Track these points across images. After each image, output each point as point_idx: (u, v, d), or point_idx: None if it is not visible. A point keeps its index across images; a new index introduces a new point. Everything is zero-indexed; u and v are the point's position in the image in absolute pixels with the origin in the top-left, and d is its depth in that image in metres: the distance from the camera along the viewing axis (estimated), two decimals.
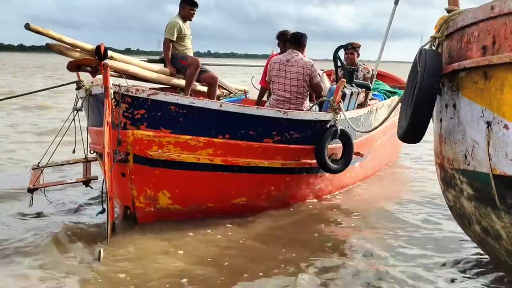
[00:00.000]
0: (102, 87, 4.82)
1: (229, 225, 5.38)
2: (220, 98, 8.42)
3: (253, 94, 7.95)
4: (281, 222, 5.65)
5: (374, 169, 8.04)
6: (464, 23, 3.60)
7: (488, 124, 3.31)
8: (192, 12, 7.62)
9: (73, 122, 5.58)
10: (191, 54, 7.80)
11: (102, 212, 5.08)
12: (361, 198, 6.80)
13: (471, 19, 3.49)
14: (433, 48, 4.02)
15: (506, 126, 3.20)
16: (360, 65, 7.84)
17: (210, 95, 7.67)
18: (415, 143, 4.10)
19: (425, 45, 4.03)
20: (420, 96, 3.72)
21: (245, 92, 8.51)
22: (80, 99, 5.67)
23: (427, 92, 3.69)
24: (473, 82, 3.46)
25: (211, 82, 7.69)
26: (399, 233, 5.40)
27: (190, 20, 7.69)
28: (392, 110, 5.34)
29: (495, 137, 3.27)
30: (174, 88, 7.85)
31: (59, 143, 5.52)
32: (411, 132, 3.92)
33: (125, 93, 4.91)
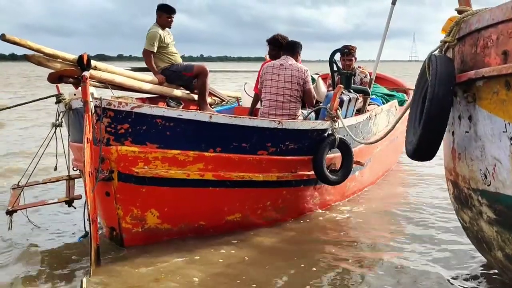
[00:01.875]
0: (82, 100, 4.46)
1: (224, 245, 5.02)
2: (212, 107, 8.08)
3: (246, 102, 7.59)
4: (279, 239, 5.31)
5: (375, 176, 7.70)
6: (479, 25, 3.23)
7: None
8: (169, 19, 7.30)
9: (54, 138, 5.23)
10: (179, 59, 7.47)
11: (84, 236, 4.71)
12: (363, 209, 6.45)
13: (488, 20, 3.12)
14: (443, 53, 3.66)
15: None
16: (357, 68, 7.51)
17: (201, 87, 7.35)
18: (426, 161, 3.74)
19: (434, 51, 3.64)
20: (432, 108, 3.34)
21: (238, 99, 8.15)
22: (61, 114, 5.31)
23: (440, 103, 3.31)
24: (493, 93, 3.09)
25: (200, 72, 7.37)
26: (404, 246, 5.06)
27: (169, 28, 7.34)
28: (397, 121, 4.99)
29: None
30: (164, 97, 7.52)
31: (38, 161, 5.17)
32: (423, 149, 3.53)
33: (107, 106, 4.55)
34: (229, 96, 8.47)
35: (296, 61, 6.27)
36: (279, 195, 5.56)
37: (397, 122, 4.98)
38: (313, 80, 7.63)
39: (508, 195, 3.05)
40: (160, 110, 4.73)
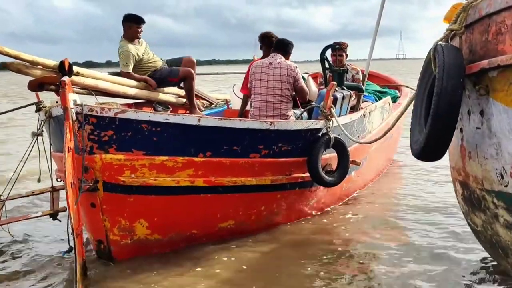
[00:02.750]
0: (61, 107, 4.21)
1: (220, 254, 4.80)
2: (201, 110, 7.84)
3: (236, 104, 7.36)
4: (276, 244, 5.10)
5: (371, 176, 7.49)
6: (491, 10, 2.96)
7: None
8: (139, 30, 6.93)
9: (36, 148, 4.97)
10: (159, 63, 7.21)
11: (69, 251, 4.44)
12: (361, 210, 6.22)
13: (501, 3, 2.84)
14: (449, 43, 3.39)
15: None
16: (348, 65, 7.29)
17: (188, 91, 7.15)
18: (435, 160, 3.50)
19: (440, 40, 3.35)
20: (440, 103, 3.06)
21: (227, 102, 7.92)
22: (42, 122, 5.05)
23: (449, 98, 3.04)
24: (510, 83, 2.84)
25: (186, 76, 7.13)
26: (405, 251, 4.85)
27: (139, 38, 7.00)
28: (398, 118, 4.77)
29: None
30: (151, 102, 7.28)
31: (19, 172, 4.91)
32: (431, 149, 3.25)
33: (89, 113, 4.30)
34: (218, 99, 8.24)
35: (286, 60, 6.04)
36: (273, 199, 5.32)
37: (398, 119, 4.76)
38: (304, 79, 7.42)
39: None
40: (146, 114, 4.48)
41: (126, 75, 6.86)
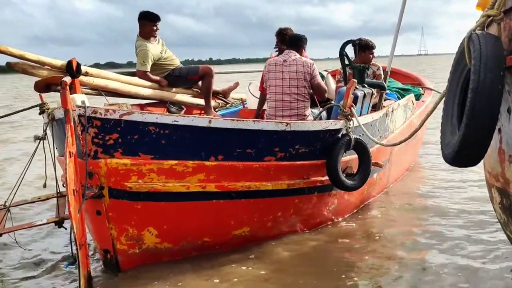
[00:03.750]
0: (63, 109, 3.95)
1: (235, 263, 4.54)
2: (216, 110, 7.57)
3: (252, 103, 7.06)
4: (296, 252, 4.81)
5: (394, 177, 7.13)
6: None
7: None
8: (155, 28, 6.72)
9: (43, 152, 4.74)
10: (177, 62, 7.00)
11: (72, 263, 4.18)
12: (384, 214, 5.88)
13: None
14: (485, 31, 2.99)
15: None
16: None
17: (206, 89, 6.93)
18: (471, 166, 3.13)
19: (474, 28, 2.97)
20: (477, 100, 2.68)
21: (243, 101, 7.62)
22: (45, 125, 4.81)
23: (488, 93, 2.66)
24: None
25: (206, 73, 6.91)
26: (433, 260, 4.52)
27: (155, 37, 6.78)
28: (426, 118, 4.43)
29: None
30: (164, 102, 7.04)
31: (22, 177, 4.68)
32: (467, 153, 2.85)
33: (93, 115, 4.04)
34: (234, 99, 7.96)
35: (301, 56, 5.73)
36: (290, 204, 5.01)
37: (426, 119, 4.42)
38: (322, 77, 7.10)
39: None
40: (153, 116, 4.21)
41: (143, 74, 6.63)
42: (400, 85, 8.49)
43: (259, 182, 4.67)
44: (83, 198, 3.97)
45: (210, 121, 4.36)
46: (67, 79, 3.92)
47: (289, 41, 5.86)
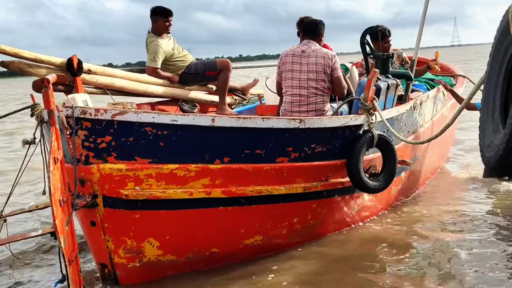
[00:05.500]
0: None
1: (247, 277, 4.12)
2: (233, 107, 7.15)
3: (270, 99, 6.60)
4: (316, 262, 4.38)
5: (425, 176, 6.59)
6: None
7: None
8: (167, 23, 6.34)
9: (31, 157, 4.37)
10: (190, 58, 6.59)
11: (61, 281, 3.79)
12: (413, 218, 5.35)
13: None
14: None
15: None
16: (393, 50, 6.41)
17: (222, 83, 6.54)
18: None
19: None
20: None
21: (260, 97, 7.17)
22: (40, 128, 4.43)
23: None
24: None
25: (224, 67, 6.51)
26: (473, 271, 4.00)
27: (168, 32, 6.41)
28: (459, 112, 3.90)
29: None
30: (176, 100, 6.64)
31: (15, 185, 4.32)
32: None
33: (82, 116, 3.64)
34: (251, 94, 7.51)
35: (320, 44, 5.24)
36: (308, 209, 4.55)
37: (459, 113, 3.89)
38: (347, 69, 6.62)
39: None
40: (149, 116, 3.78)
41: (153, 71, 6.24)
42: (430, 75, 7.91)
43: (271, 186, 4.22)
44: (72, 208, 3.58)
45: (213, 120, 3.91)
46: (51, 76, 3.51)
47: (305, 28, 5.32)
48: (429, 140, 4.59)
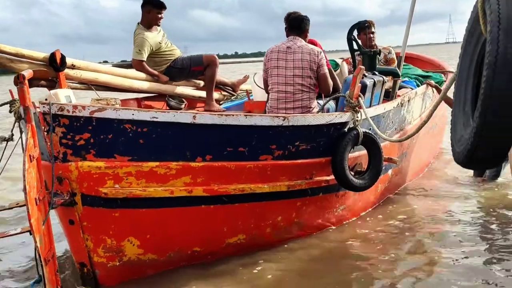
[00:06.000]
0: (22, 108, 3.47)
1: (229, 275, 4.06)
2: (221, 103, 7.07)
3: (258, 95, 6.53)
4: (301, 261, 4.32)
5: (412, 173, 6.55)
6: None
7: None
8: (160, 16, 6.25)
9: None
10: (178, 53, 6.49)
11: (38, 281, 3.71)
12: (401, 215, 5.31)
13: None
14: None
15: None
16: (379, 46, 6.35)
17: (209, 79, 6.41)
18: (490, 168, 2.49)
19: None
20: (496, 79, 2.04)
21: (248, 93, 7.09)
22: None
23: (511, 69, 2.05)
24: None
25: (210, 62, 6.38)
26: (456, 266, 3.97)
27: (158, 25, 6.32)
28: (434, 108, 3.85)
29: None
30: (163, 96, 6.55)
31: None
32: (484, 151, 2.26)
33: (59, 112, 3.56)
34: (240, 90, 7.42)
35: (305, 40, 5.18)
36: (292, 207, 4.49)
37: (434, 109, 3.84)
38: (337, 65, 6.56)
39: None
40: (128, 112, 3.71)
41: (138, 64, 6.14)
42: (420, 71, 7.85)
43: (255, 184, 4.15)
44: (49, 207, 3.51)
45: (194, 117, 3.84)
46: (26, 72, 3.43)
47: (290, 24, 5.24)
48: (407, 138, 4.55)
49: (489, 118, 2.03)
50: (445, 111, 7.24)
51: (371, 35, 6.24)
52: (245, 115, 4.04)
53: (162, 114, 3.79)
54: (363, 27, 6.04)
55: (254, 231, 4.35)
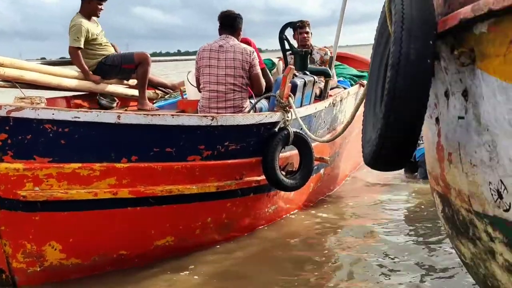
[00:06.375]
0: None
1: (157, 278, 3.94)
2: (154, 102, 6.93)
3: (191, 93, 6.43)
4: (231, 262, 4.26)
5: (347, 170, 6.61)
6: None
7: None
8: (100, 7, 6.09)
9: None
10: (111, 49, 6.33)
11: None
12: (333, 215, 5.34)
13: None
14: None
15: None
16: (315, 46, 6.38)
17: (141, 77, 6.22)
18: (396, 170, 2.50)
19: None
20: (399, 80, 1.99)
21: (181, 91, 6.99)
22: None
23: (412, 71, 1.98)
24: (510, 42, 1.73)
25: (142, 60, 6.23)
26: (382, 260, 4.03)
27: (98, 17, 6.17)
28: (356, 109, 3.88)
29: None
30: (94, 94, 6.36)
31: None
32: (388, 153, 2.24)
33: None
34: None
35: (238, 39, 5.13)
36: (222, 208, 4.43)
37: (356, 109, 3.87)
38: (273, 64, 6.55)
39: None
40: (48, 112, 3.56)
41: (74, 52, 5.92)
42: (354, 71, 7.94)
43: (183, 185, 4.08)
44: None
45: (119, 117, 3.73)
46: None
47: (223, 22, 5.18)
48: (334, 138, 4.56)
49: (392, 119, 2.03)
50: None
51: (305, 35, 6.25)
52: (172, 115, 3.96)
53: (84, 114, 3.66)
54: (298, 27, 6.04)
55: (183, 233, 4.27)
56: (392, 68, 1.99)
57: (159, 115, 3.92)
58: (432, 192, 2.91)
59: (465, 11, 1.84)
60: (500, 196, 1.90)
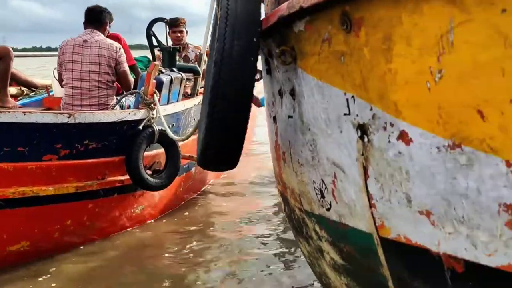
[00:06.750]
0: None
1: (8, 285, 3.70)
2: (18, 99, 6.54)
3: (58, 90, 6.12)
4: (91, 266, 4.06)
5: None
6: None
7: (362, 129, 1.55)
8: None
9: None
10: None
11: None
12: (204, 214, 5.30)
13: None
14: None
15: (403, 135, 1.38)
16: (190, 44, 6.32)
17: (2, 73, 5.80)
18: (226, 170, 2.44)
19: None
20: (221, 78, 1.93)
21: (48, 88, 6.65)
22: None
23: (233, 69, 1.91)
24: (322, 41, 1.70)
25: (4, 54, 5.84)
26: (251, 258, 4.03)
27: None
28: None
29: (380, 158, 1.48)
30: None
31: None
32: (213, 152, 2.06)
33: None
34: (40, 85, 6.93)
35: (104, 34, 4.95)
36: (83, 210, 4.24)
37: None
38: (149, 61, 6.37)
39: (360, 229, 1.69)
40: None
41: None
42: None
43: (38, 186, 3.86)
44: None
45: None
46: None
47: (88, 17, 4.97)
48: (188, 137, 4.50)
49: (215, 117, 1.99)
50: (254, 110, 7.41)
51: (179, 34, 6.16)
52: (24, 112, 3.73)
53: None
54: (170, 25, 5.94)
55: (40, 237, 4.04)
56: (215, 65, 1.93)
57: (8, 112, 3.68)
58: (277, 189, 2.91)
59: (283, 9, 1.81)
60: (323, 195, 1.88)
